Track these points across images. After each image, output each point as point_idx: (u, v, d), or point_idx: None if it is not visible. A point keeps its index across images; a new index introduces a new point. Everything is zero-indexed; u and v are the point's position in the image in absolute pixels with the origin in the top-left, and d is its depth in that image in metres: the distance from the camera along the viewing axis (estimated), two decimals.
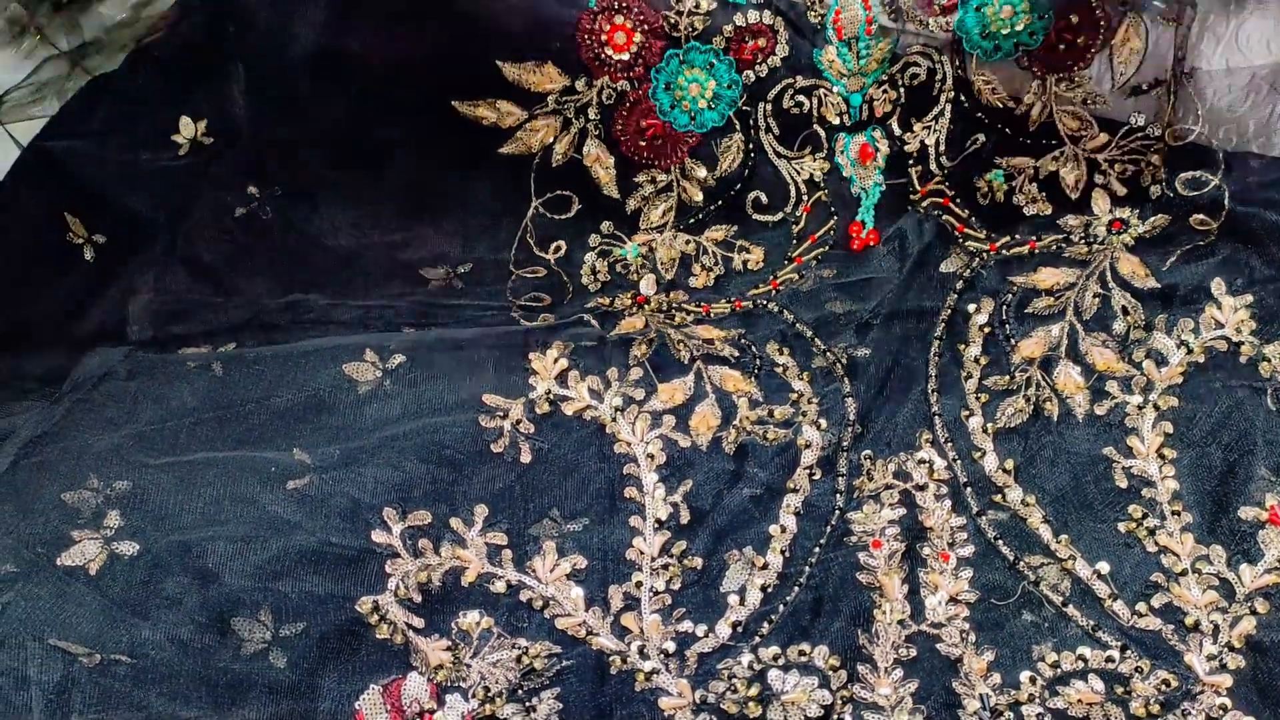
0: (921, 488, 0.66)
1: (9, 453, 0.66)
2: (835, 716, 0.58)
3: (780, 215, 0.81)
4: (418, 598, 0.63)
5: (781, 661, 0.60)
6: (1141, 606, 0.61)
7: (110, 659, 0.58)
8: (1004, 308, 0.74)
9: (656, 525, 0.66)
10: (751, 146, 0.80)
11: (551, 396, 0.71)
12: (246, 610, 0.61)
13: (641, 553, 0.65)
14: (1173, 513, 0.64)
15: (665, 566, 0.64)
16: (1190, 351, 0.70)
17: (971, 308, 0.74)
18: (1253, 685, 0.58)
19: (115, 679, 0.57)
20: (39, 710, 0.56)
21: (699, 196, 0.81)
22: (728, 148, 0.80)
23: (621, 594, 0.63)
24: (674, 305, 0.78)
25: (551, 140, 0.79)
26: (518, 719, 0.58)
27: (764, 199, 0.81)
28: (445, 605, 0.63)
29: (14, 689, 0.56)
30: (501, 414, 0.70)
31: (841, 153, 0.81)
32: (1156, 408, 0.69)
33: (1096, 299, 0.72)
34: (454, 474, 0.67)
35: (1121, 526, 0.64)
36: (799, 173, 0.80)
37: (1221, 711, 0.57)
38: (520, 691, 0.59)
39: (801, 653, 0.60)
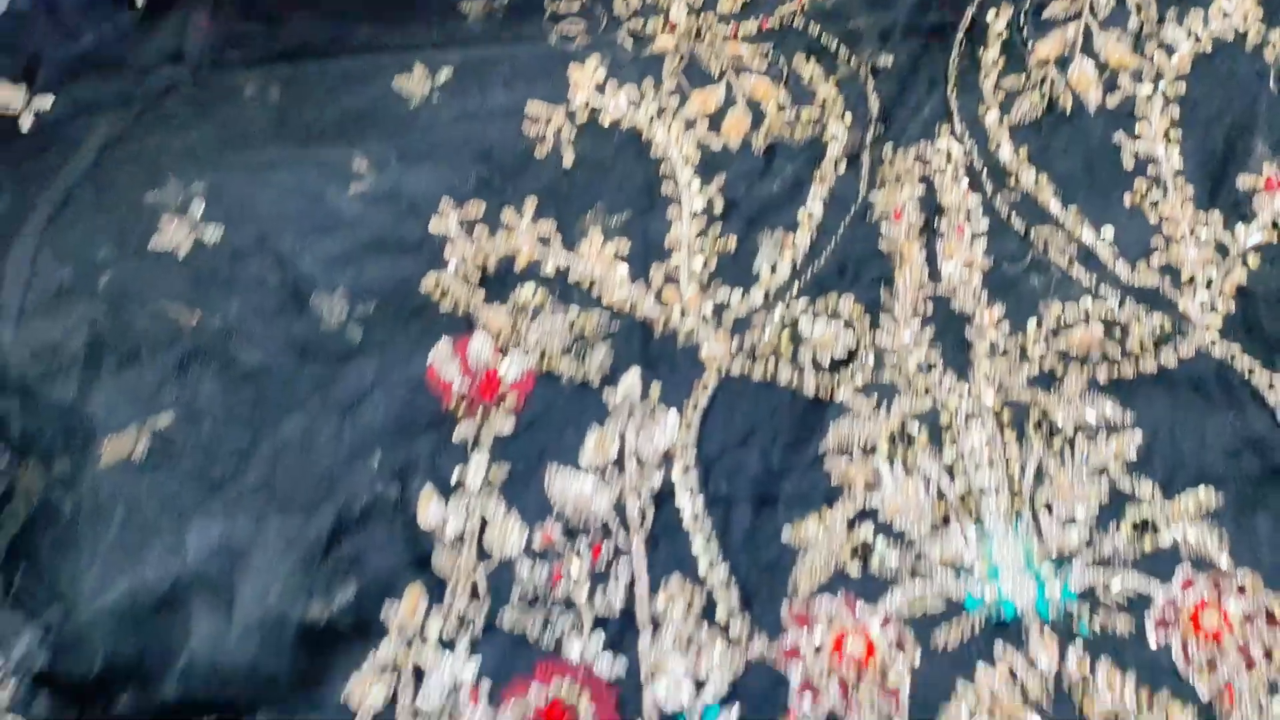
0: (940, 171, 0.71)
1: (90, 150, 0.72)
2: (858, 358, 0.64)
3: None
4: (476, 276, 0.69)
5: (810, 312, 0.66)
6: (1141, 265, 0.66)
7: (207, 317, 0.65)
8: (1022, 13, 0.77)
9: (693, 215, 0.71)
10: None
11: (590, 106, 0.76)
12: (323, 291, 0.67)
13: (679, 238, 0.70)
14: (1175, 186, 0.69)
15: (702, 249, 0.70)
16: (1198, 41, 0.73)
17: (991, 14, 0.78)
18: (1240, 324, 0.63)
19: (212, 335, 0.64)
20: (154, 371, 0.62)
21: None
22: None
23: (663, 272, 0.69)
24: (704, 27, 0.82)
25: None
26: (573, 371, 0.65)
27: None
28: (502, 283, 0.69)
29: (125, 351, 0.63)
30: (545, 120, 0.75)
31: None
32: (1165, 96, 0.72)
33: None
34: (501, 175, 0.73)
35: (1126, 199, 0.69)
36: None
37: (1210, 344, 0.63)
38: (574, 348, 0.66)
39: (828, 304, 0.66)
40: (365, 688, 0.55)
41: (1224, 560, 0.56)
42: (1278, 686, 0.52)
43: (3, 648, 0.55)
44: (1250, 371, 0.61)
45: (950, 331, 0.65)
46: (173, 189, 0.71)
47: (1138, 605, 0.56)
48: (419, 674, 0.56)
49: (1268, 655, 0.53)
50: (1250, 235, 0.66)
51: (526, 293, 0.68)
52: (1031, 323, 0.65)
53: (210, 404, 0.62)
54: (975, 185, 0.71)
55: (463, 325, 0.67)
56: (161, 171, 0.71)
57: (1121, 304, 0.65)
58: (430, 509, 0.60)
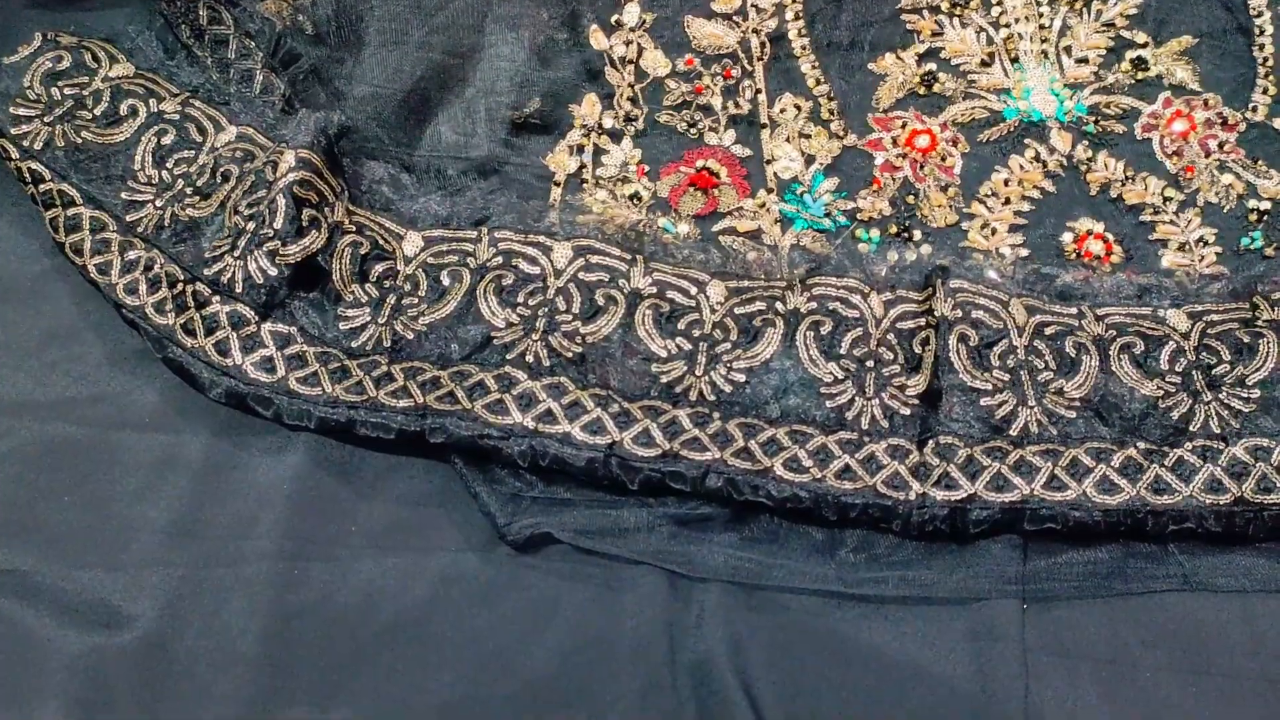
0: None
1: None
2: None
3: None
4: None
5: None
6: None
7: None
8: None
9: None
10: None
11: None
12: None
13: None
14: None
15: None
16: None
17: None
18: None
19: None
20: None
21: None
22: None
23: None
24: None
25: None
26: None
27: None
28: None
29: None
30: None
31: None
32: None
33: None
34: None
35: None
36: None
37: None
38: None
39: None
40: (561, 159, 0.74)
41: (1194, 85, 0.76)
42: (1225, 165, 0.73)
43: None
44: None
45: None
46: None
47: (1130, 117, 0.75)
48: (598, 152, 0.75)
49: (1220, 146, 0.74)
50: None
51: None
52: None
53: None
54: None
55: None
56: None
57: None
58: (598, 38, 0.78)
